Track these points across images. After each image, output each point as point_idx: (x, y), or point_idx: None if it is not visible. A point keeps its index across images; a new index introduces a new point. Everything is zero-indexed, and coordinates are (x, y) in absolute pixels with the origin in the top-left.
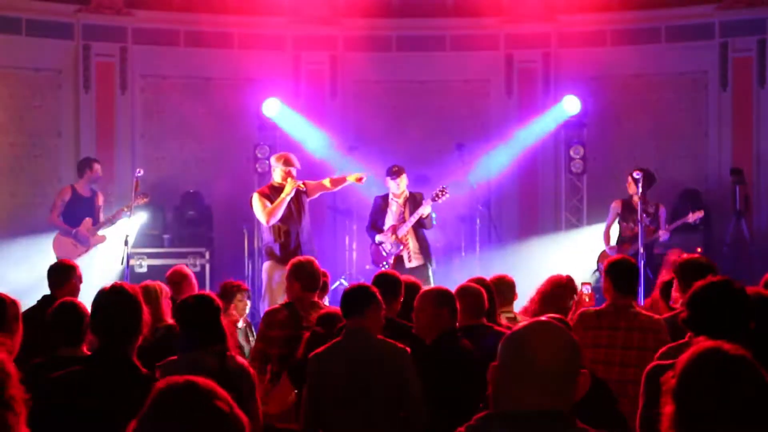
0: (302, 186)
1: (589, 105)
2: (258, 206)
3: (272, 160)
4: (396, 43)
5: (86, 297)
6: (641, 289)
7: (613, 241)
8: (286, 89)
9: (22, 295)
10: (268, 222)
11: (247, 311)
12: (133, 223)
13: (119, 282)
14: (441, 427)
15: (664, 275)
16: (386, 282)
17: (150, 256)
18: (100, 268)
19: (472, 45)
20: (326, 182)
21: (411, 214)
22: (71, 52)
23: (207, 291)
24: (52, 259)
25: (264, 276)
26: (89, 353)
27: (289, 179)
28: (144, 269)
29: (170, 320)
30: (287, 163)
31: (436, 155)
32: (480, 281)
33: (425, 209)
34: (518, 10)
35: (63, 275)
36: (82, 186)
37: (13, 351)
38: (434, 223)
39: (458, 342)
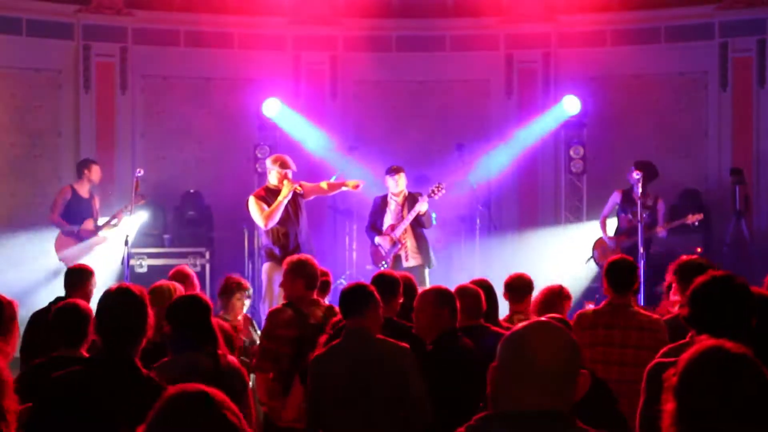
0: (299, 189)
1: (589, 105)
2: (255, 210)
3: (268, 162)
4: (396, 43)
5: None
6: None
7: (611, 231)
8: (286, 89)
9: (23, 296)
10: (266, 225)
11: (245, 310)
12: (133, 223)
13: (125, 283)
14: (441, 427)
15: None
16: (384, 282)
17: (150, 256)
18: (100, 268)
19: (472, 45)
20: (323, 185)
21: (409, 212)
22: (71, 52)
23: (198, 291)
24: (53, 259)
25: (264, 277)
26: (87, 355)
27: (285, 182)
28: (144, 269)
29: None
30: (284, 165)
31: (436, 155)
32: (479, 282)
33: (422, 206)
34: (518, 10)
35: (80, 279)
36: (81, 186)
37: (9, 354)
38: (434, 222)
39: (459, 342)
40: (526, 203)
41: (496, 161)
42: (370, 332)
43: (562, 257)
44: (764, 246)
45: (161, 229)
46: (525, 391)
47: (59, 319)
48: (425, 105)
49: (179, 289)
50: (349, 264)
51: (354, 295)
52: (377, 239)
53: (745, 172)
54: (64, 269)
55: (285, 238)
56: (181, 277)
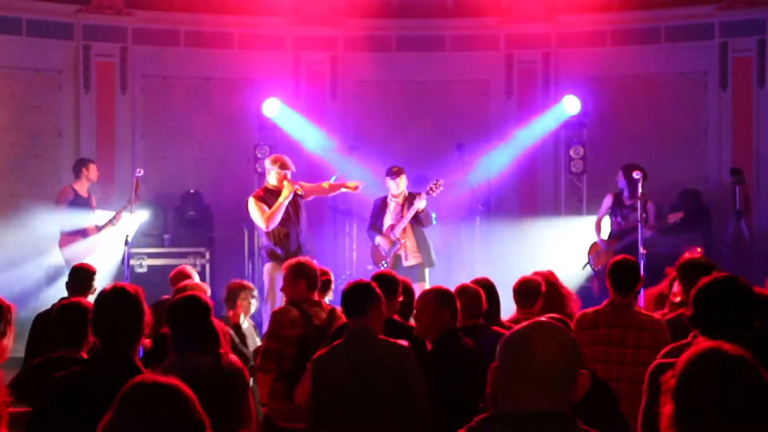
0: (299, 190)
1: (589, 105)
2: (256, 211)
3: (267, 163)
4: (396, 43)
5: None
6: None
7: (605, 235)
8: (286, 89)
9: (23, 296)
10: (267, 227)
11: (252, 310)
12: (133, 222)
13: (120, 283)
14: (441, 427)
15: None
16: (383, 282)
17: (150, 256)
18: (100, 268)
19: (472, 45)
20: (325, 185)
21: (408, 212)
22: (71, 52)
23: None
24: (54, 259)
25: (266, 277)
26: (86, 357)
27: (286, 183)
28: (144, 269)
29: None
30: (283, 166)
31: (436, 155)
32: (480, 282)
33: (420, 203)
34: (518, 10)
35: (83, 278)
36: (80, 186)
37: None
38: (434, 222)
39: (459, 342)
40: (526, 203)
41: (496, 161)
42: (371, 332)
43: (562, 256)
44: (764, 246)
45: (161, 229)
46: (525, 392)
47: (62, 317)
48: (425, 105)
49: (204, 288)
50: (349, 264)
51: (356, 295)
52: (377, 239)
53: (745, 172)
54: (65, 270)
55: (286, 238)
56: (182, 277)
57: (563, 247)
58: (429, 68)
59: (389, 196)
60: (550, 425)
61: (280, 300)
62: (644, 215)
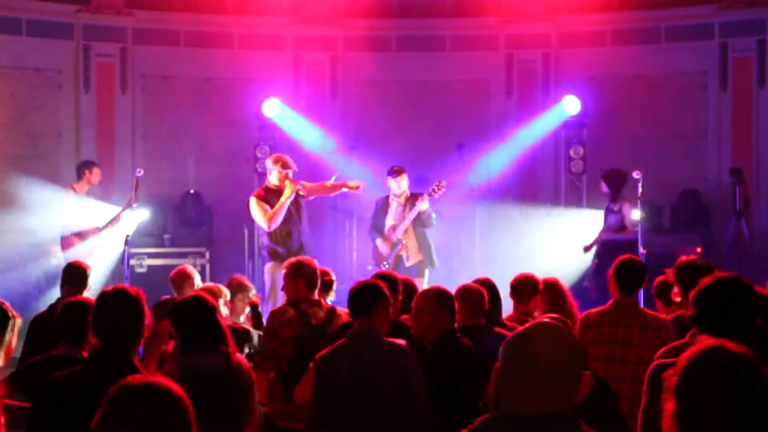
0: (302, 191)
1: (589, 105)
2: (257, 211)
3: (268, 162)
4: (396, 43)
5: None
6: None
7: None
8: (286, 89)
9: (24, 297)
10: (269, 227)
11: (247, 311)
12: (132, 221)
13: (122, 284)
14: (440, 428)
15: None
16: (384, 281)
17: (150, 256)
18: (100, 268)
19: (472, 45)
20: (327, 184)
21: (410, 213)
22: (71, 52)
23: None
24: (53, 260)
25: (267, 276)
26: (87, 356)
27: (288, 183)
28: (144, 269)
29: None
30: (285, 166)
31: (436, 155)
32: (482, 282)
33: (423, 205)
34: (518, 10)
35: (78, 275)
36: (81, 187)
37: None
38: (434, 223)
39: (458, 342)
40: (526, 203)
41: (496, 161)
42: (375, 333)
43: (561, 256)
44: (764, 246)
45: (161, 229)
46: (527, 392)
47: (66, 315)
48: (425, 105)
49: (223, 291)
50: (350, 264)
51: (362, 295)
52: (378, 240)
53: (745, 172)
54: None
55: (288, 237)
56: (183, 277)
57: (563, 247)
58: (429, 68)
59: (391, 196)
60: (553, 427)
61: (282, 299)
62: (614, 219)
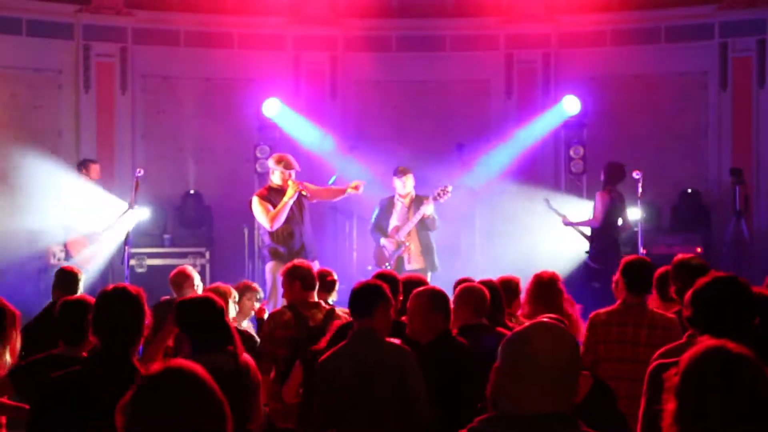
0: (305, 192)
1: (589, 105)
2: (260, 210)
3: (270, 162)
4: (396, 43)
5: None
6: None
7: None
8: (286, 89)
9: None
10: (272, 227)
11: (252, 313)
12: (132, 221)
13: (122, 283)
14: (438, 427)
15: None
16: (384, 281)
17: (150, 256)
18: (100, 268)
19: (472, 45)
20: (330, 189)
21: (414, 215)
22: (71, 52)
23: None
24: (53, 261)
25: (269, 276)
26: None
27: (290, 183)
28: (144, 269)
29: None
30: (287, 166)
31: (436, 155)
32: (485, 283)
33: (427, 208)
34: (518, 10)
35: (70, 280)
36: None
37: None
38: (438, 225)
39: (454, 342)
40: (526, 203)
41: (496, 161)
42: (375, 334)
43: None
44: (764, 246)
45: (161, 229)
46: (525, 392)
47: (65, 314)
48: (425, 105)
49: (233, 293)
50: (350, 264)
51: (363, 296)
52: (382, 240)
53: (745, 172)
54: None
55: (290, 237)
56: (183, 278)
57: (563, 247)
58: (429, 68)
59: (396, 196)
60: (552, 427)
61: (282, 300)
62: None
